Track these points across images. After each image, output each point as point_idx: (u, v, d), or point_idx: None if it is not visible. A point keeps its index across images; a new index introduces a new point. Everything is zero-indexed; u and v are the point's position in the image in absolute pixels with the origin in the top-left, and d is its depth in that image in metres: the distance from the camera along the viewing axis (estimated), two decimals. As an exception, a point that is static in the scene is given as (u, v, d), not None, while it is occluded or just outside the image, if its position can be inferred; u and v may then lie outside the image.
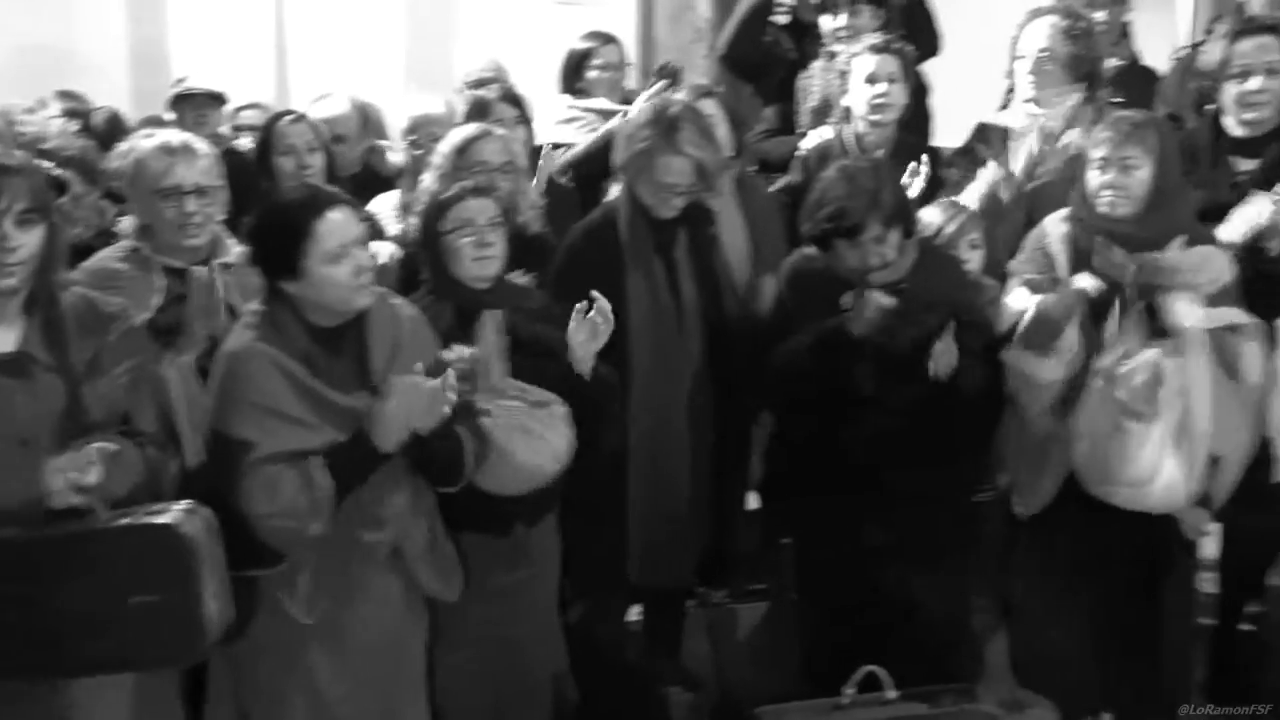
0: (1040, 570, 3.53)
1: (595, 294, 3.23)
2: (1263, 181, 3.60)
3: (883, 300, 3.31)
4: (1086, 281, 3.35)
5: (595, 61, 4.68)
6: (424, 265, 3.34)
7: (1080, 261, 3.41)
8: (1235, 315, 3.36)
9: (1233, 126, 3.71)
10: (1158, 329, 3.28)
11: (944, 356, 3.29)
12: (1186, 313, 3.24)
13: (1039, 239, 3.51)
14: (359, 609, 2.90)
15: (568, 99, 4.71)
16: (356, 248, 2.81)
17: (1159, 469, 3.29)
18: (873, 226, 3.35)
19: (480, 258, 3.24)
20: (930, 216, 3.70)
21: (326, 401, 2.78)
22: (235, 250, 3.19)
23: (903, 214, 3.44)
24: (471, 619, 3.17)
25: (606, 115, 4.44)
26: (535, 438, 3.10)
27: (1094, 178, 3.37)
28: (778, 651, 3.97)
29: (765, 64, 4.84)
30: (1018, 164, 3.91)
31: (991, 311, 3.48)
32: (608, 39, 4.78)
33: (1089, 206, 3.39)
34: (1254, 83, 3.63)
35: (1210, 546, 4.00)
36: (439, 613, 3.11)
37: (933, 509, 3.46)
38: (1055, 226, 3.50)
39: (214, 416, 2.78)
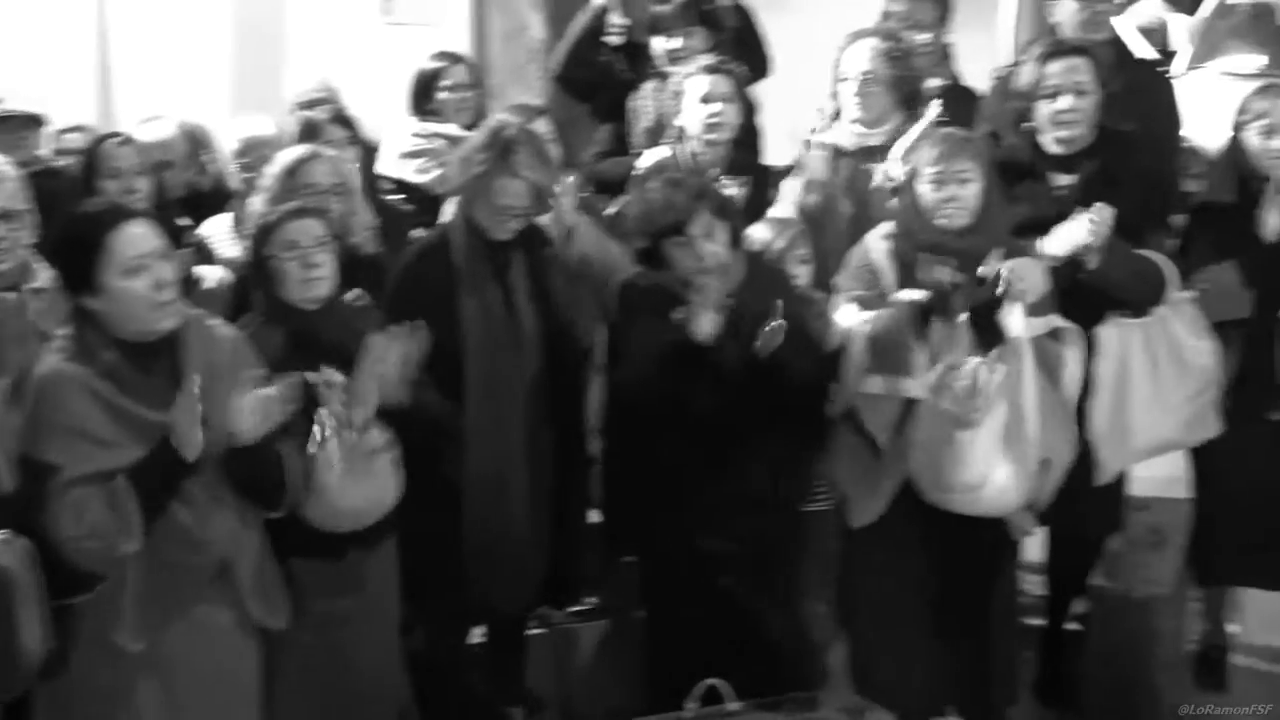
0: (875, 577, 3.60)
1: (422, 323, 3.21)
2: (1080, 196, 3.73)
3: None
4: (914, 294, 3.43)
5: (444, 82, 4.66)
6: (253, 289, 3.29)
7: (906, 276, 3.50)
8: (1058, 322, 3.49)
9: (1049, 144, 3.85)
10: (983, 339, 3.38)
11: (772, 336, 3.34)
12: (1014, 322, 3.34)
13: (863, 255, 3.60)
14: (187, 638, 2.84)
15: (414, 122, 4.68)
16: (156, 261, 2.77)
17: (991, 474, 3.39)
18: (701, 218, 3.42)
19: (308, 279, 3.20)
20: (759, 233, 3.77)
21: (136, 419, 2.73)
22: (45, 275, 3.10)
23: (729, 213, 3.50)
24: (302, 647, 3.12)
25: (453, 140, 4.41)
26: (361, 479, 3.08)
27: (928, 192, 3.46)
28: (621, 669, 3.99)
29: (599, 84, 4.88)
30: (842, 181, 3.99)
31: (821, 324, 3.55)
32: (456, 59, 4.75)
33: (921, 221, 3.48)
34: (1064, 102, 3.77)
35: (1036, 549, 4.16)
36: (270, 642, 3.05)
37: (768, 519, 3.52)
38: (878, 242, 3.59)
39: (23, 441, 2.71)
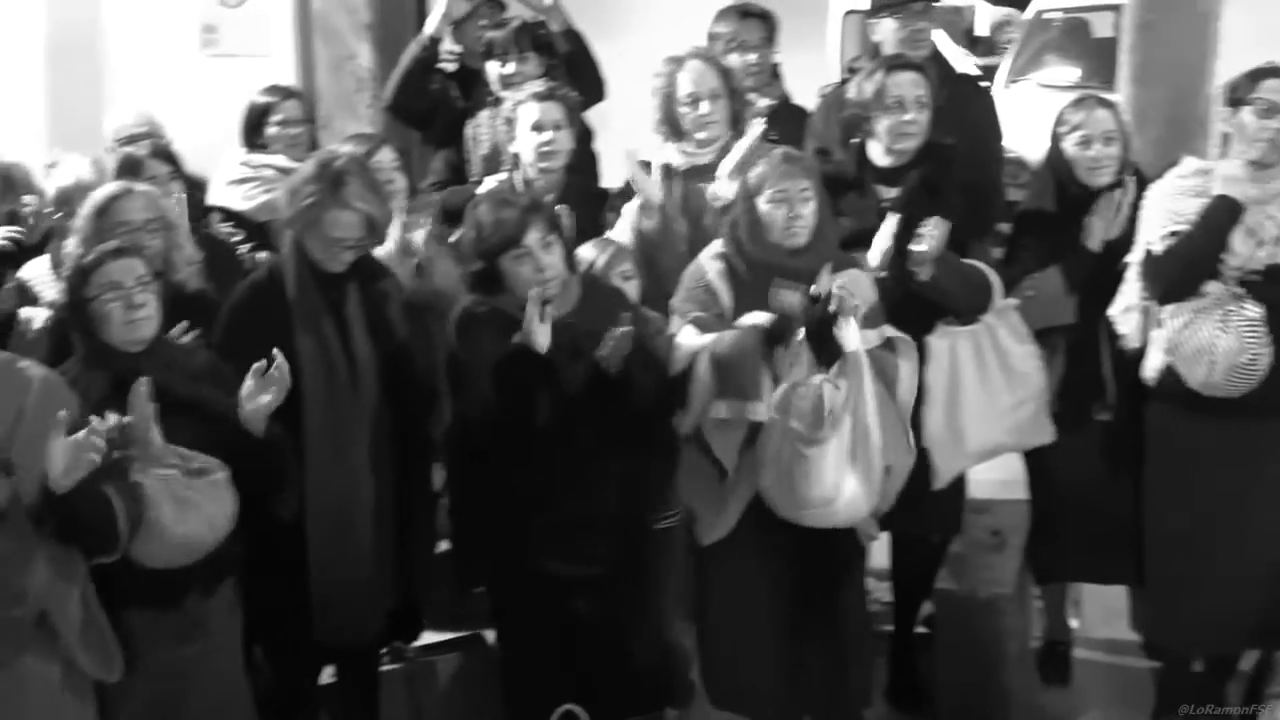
0: (727, 589, 3.62)
1: (276, 352, 3.15)
2: (904, 208, 3.82)
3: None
4: (759, 318, 3.46)
5: (275, 117, 4.57)
6: (72, 332, 3.18)
7: (742, 295, 3.53)
8: (891, 333, 3.56)
9: (879, 156, 3.93)
10: (821, 355, 3.42)
11: (619, 344, 3.34)
12: (849, 337, 3.39)
13: (698, 276, 3.62)
14: (10, 692, 2.72)
15: (244, 153, 4.59)
16: None
17: (841, 487, 3.43)
18: (535, 229, 3.42)
19: (131, 320, 3.10)
20: (584, 253, 3.78)
21: None
22: None
23: (562, 229, 3.50)
24: (141, 699, 3.01)
25: (284, 172, 4.33)
26: (190, 507, 2.99)
27: (770, 211, 3.49)
28: (478, 701, 3.94)
29: (433, 112, 4.84)
30: (676, 201, 4.02)
31: (659, 344, 3.56)
32: (289, 94, 4.67)
33: (759, 239, 3.51)
34: (908, 114, 3.86)
35: (881, 555, 4.22)
36: (106, 696, 2.94)
37: (620, 539, 3.52)
38: (711, 262, 3.62)
39: None
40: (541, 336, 3.34)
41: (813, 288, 3.38)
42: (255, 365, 3.13)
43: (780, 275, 3.49)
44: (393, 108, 4.90)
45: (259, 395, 3.13)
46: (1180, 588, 3.86)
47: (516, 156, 4.18)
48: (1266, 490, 3.73)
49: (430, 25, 4.78)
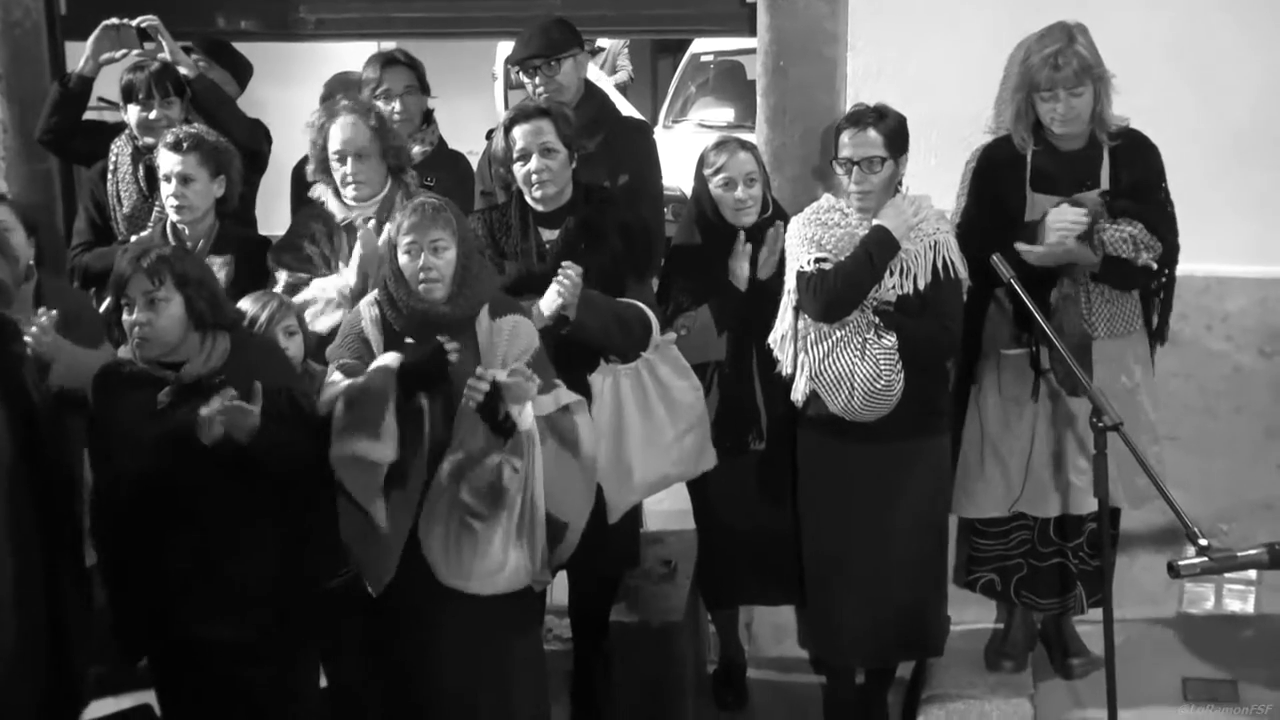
0: (398, 640, 3.58)
1: None
2: (563, 250, 3.90)
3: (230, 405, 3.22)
4: (391, 359, 3.42)
5: None
6: None
7: (392, 343, 3.50)
8: (565, 398, 3.56)
9: (534, 203, 3.98)
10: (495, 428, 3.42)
11: (209, 425, 3.22)
12: (524, 418, 3.39)
13: (354, 323, 3.58)
14: None
15: None
16: None
17: (506, 560, 3.46)
18: (137, 281, 3.30)
19: None
20: (245, 305, 3.68)
21: None
22: None
23: (190, 284, 3.36)
24: None
25: None
26: None
27: (405, 262, 3.47)
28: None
29: (93, 150, 4.58)
30: (345, 255, 3.96)
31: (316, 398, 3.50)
32: None
33: (404, 290, 3.49)
34: (533, 163, 3.92)
35: (560, 592, 4.27)
36: None
37: (275, 603, 3.43)
38: (367, 309, 3.58)
39: None
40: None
41: (478, 384, 3.35)
42: None
43: (428, 324, 3.47)
44: (43, 141, 4.65)
45: None
46: (835, 604, 4.06)
47: (161, 208, 4.04)
48: (904, 507, 3.98)
49: (80, 63, 4.56)
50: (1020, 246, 3.86)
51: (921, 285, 3.85)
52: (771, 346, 4.00)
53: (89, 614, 3.68)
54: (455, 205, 3.58)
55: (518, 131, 3.94)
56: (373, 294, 3.60)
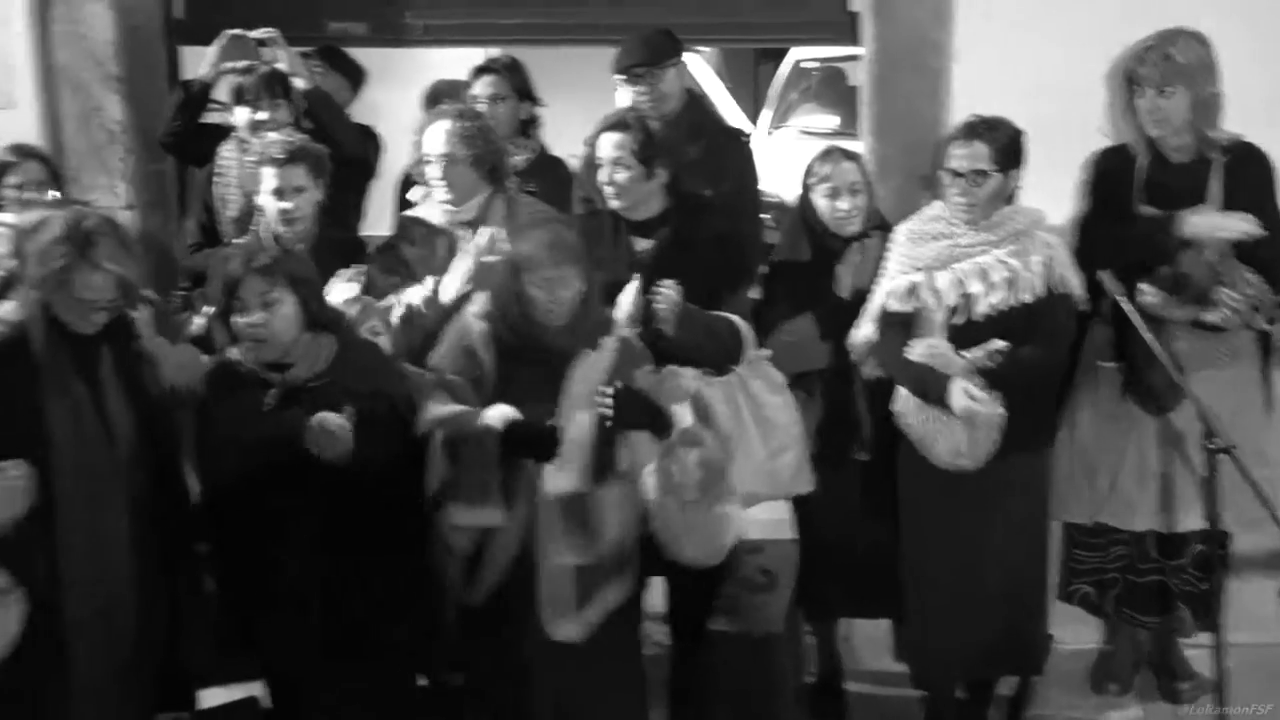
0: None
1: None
2: (655, 260, 3.92)
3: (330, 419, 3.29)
4: (498, 417, 3.40)
5: (12, 179, 4.37)
6: None
7: (506, 361, 3.51)
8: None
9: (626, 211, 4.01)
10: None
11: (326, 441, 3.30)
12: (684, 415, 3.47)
13: (462, 334, 3.60)
14: None
15: None
16: None
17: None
18: (250, 283, 3.38)
19: None
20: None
21: None
22: None
23: (301, 286, 3.44)
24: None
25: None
26: None
27: (535, 294, 3.46)
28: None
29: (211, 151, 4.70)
30: (439, 258, 4.00)
31: (418, 398, 3.53)
32: (30, 154, 4.48)
33: (529, 317, 3.49)
34: (605, 174, 3.98)
35: (658, 599, 4.28)
36: None
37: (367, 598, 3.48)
38: (476, 322, 3.58)
39: None
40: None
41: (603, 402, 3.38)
42: None
43: (540, 349, 3.49)
44: (164, 143, 4.78)
45: None
46: (936, 619, 4.02)
47: (261, 211, 4.13)
48: (1004, 521, 3.93)
49: (203, 69, 4.68)
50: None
51: (1030, 299, 3.79)
52: (853, 351, 3.98)
53: (201, 602, 3.75)
54: (584, 241, 3.60)
55: (598, 142, 4.01)
56: (481, 307, 3.61)
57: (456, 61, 5.80)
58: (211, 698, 4.04)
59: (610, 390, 3.37)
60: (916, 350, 3.78)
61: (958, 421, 3.73)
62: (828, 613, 4.43)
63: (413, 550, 3.54)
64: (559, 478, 3.42)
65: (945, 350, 3.75)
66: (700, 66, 8.63)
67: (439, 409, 3.46)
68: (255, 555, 3.45)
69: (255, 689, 3.92)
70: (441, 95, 5.01)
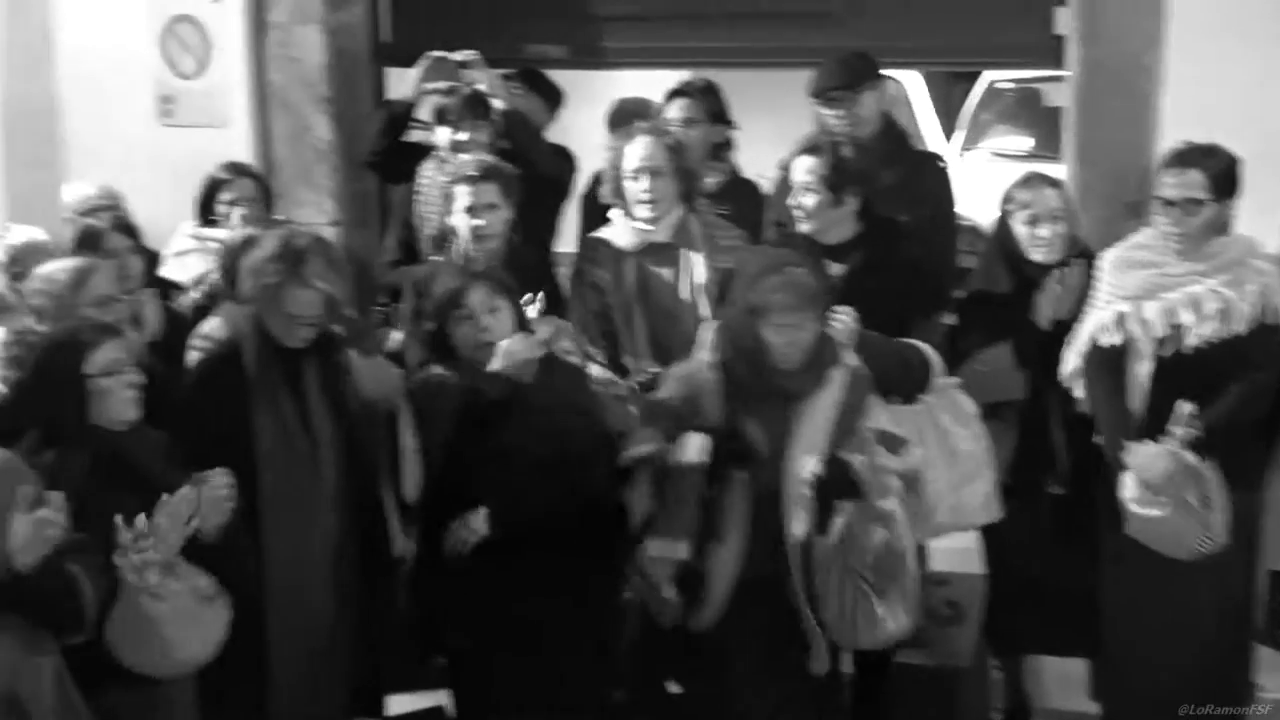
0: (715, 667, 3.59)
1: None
2: (848, 285, 3.88)
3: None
4: (695, 451, 3.42)
5: (226, 195, 4.57)
6: (50, 410, 3.11)
7: (736, 407, 3.48)
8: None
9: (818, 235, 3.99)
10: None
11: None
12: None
13: (695, 383, 3.54)
14: None
15: (191, 226, 4.58)
16: None
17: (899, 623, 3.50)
18: (476, 291, 3.51)
19: (127, 400, 3.13)
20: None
21: None
22: None
23: (512, 292, 3.55)
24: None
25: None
26: (197, 629, 3.06)
27: (772, 339, 3.42)
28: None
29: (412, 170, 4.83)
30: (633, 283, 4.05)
31: (617, 415, 3.58)
32: (243, 172, 4.68)
33: (763, 360, 3.46)
34: (808, 200, 3.97)
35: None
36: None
37: (575, 595, 3.55)
38: (705, 373, 3.54)
39: None
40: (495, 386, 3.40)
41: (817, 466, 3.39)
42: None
43: (771, 391, 3.48)
44: (369, 163, 4.93)
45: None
46: (1134, 658, 3.89)
47: (454, 230, 4.22)
48: (1209, 563, 3.75)
49: (410, 91, 4.83)
50: None
51: (1242, 330, 3.66)
52: (1065, 381, 3.87)
53: (395, 611, 3.84)
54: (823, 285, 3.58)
55: (793, 165, 4.02)
56: (713, 353, 3.57)
57: (642, 80, 5.85)
58: (399, 704, 4.17)
59: (818, 469, 3.38)
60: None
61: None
62: (1016, 648, 4.33)
63: (610, 576, 3.59)
64: (796, 524, 3.42)
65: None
66: (915, 86, 8.56)
67: (649, 446, 3.49)
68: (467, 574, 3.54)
69: (441, 698, 4.02)
70: (628, 114, 5.06)
